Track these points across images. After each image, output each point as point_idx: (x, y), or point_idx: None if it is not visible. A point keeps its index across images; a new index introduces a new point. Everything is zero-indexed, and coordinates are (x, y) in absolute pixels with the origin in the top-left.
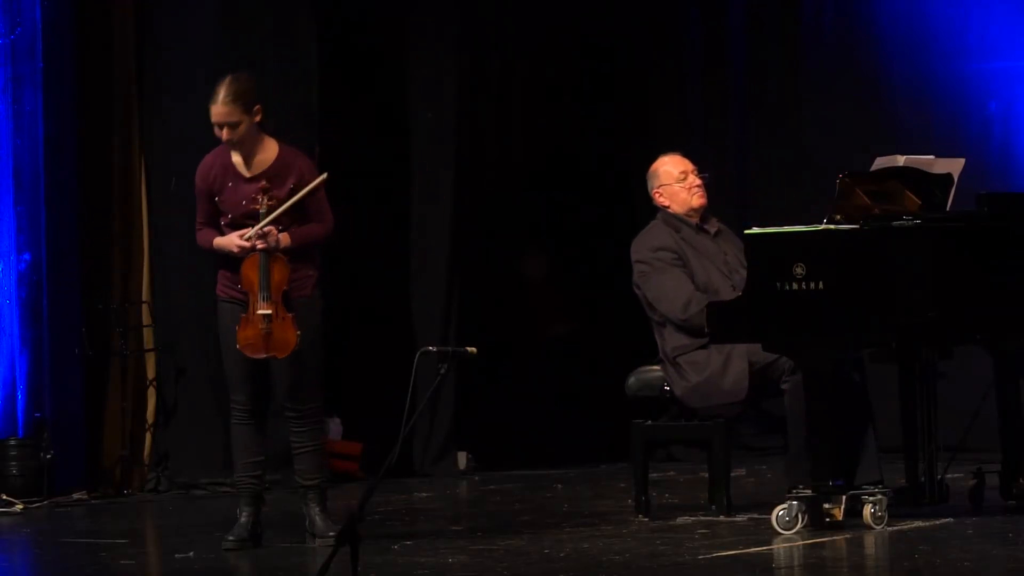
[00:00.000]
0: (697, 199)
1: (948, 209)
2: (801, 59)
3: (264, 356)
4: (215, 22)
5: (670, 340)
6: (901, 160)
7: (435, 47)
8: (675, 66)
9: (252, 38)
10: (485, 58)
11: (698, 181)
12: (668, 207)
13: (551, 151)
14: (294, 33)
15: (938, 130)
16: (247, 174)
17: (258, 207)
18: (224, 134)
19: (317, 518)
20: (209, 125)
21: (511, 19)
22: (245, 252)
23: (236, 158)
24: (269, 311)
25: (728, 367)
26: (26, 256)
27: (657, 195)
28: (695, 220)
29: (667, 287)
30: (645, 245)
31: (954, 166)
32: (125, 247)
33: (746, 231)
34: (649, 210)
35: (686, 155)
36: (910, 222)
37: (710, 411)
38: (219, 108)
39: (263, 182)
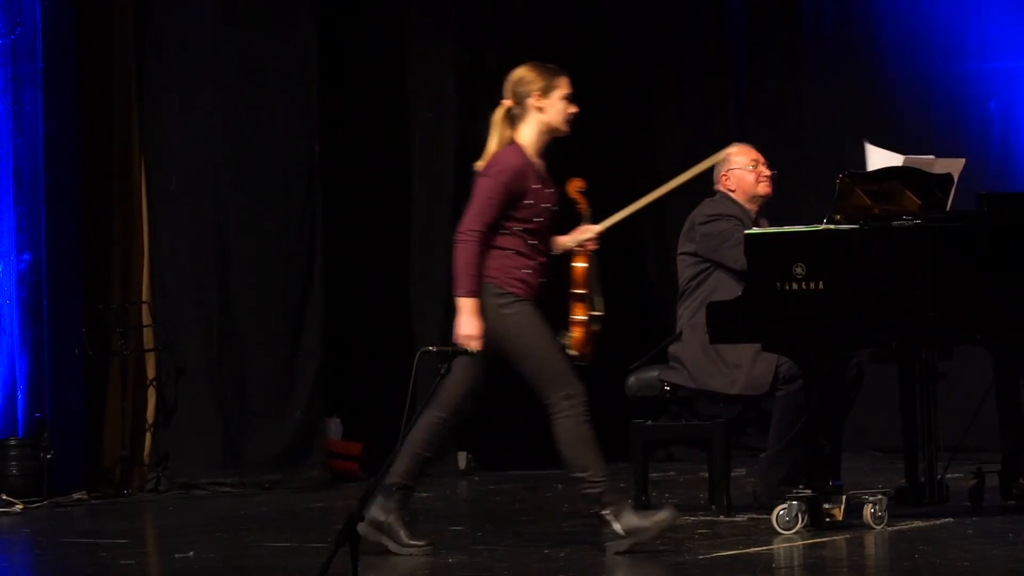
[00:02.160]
0: (763, 187)
1: (948, 209)
2: (801, 59)
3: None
4: (215, 22)
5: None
6: (900, 160)
7: (435, 47)
8: (675, 66)
9: (252, 38)
10: (485, 58)
11: (768, 172)
12: (733, 191)
13: (550, 151)
14: (294, 33)
15: (938, 130)
16: (542, 175)
17: (581, 208)
18: (573, 110)
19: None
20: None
21: (511, 19)
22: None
23: (535, 160)
24: (602, 313)
25: (758, 359)
26: (26, 256)
27: (724, 178)
28: (753, 212)
29: (738, 239)
30: (713, 209)
31: (954, 166)
32: (125, 247)
33: (746, 231)
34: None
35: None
36: (910, 222)
37: (712, 407)
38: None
39: (576, 182)
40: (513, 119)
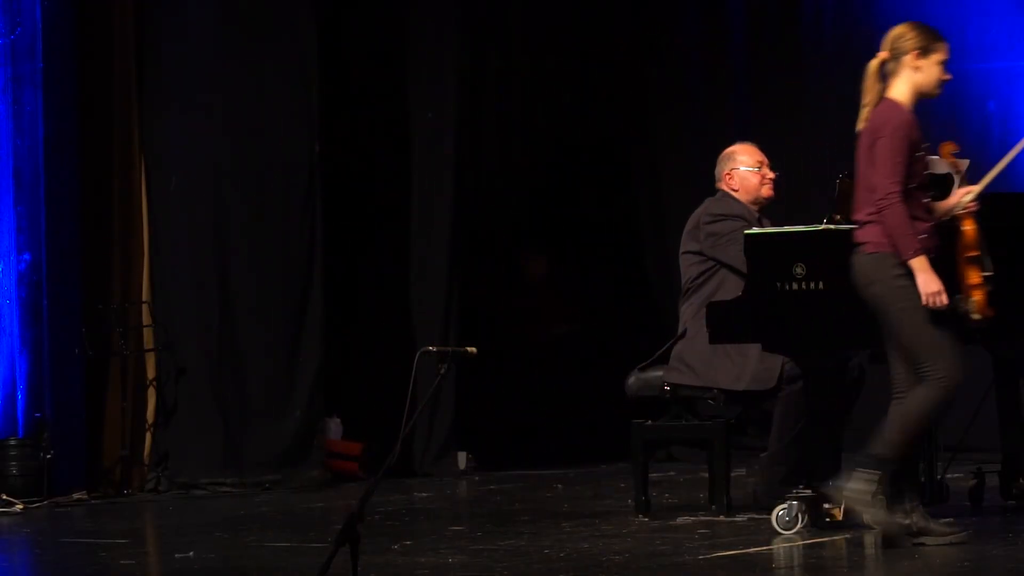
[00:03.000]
0: (767, 190)
1: None
2: (801, 59)
3: None
4: (215, 22)
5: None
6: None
7: (435, 47)
8: (675, 66)
9: (252, 38)
10: (485, 58)
11: (772, 175)
12: (736, 191)
13: (551, 151)
14: (294, 33)
15: (938, 130)
16: None
17: (959, 169)
18: (947, 77)
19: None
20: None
21: (511, 19)
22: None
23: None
24: (992, 272)
25: (765, 353)
26: (26, 256)
27: (727, 177)
28: (755, 212)
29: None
30: (719, 208)
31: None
32: (125, 247)
33: (746, 231)
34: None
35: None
36: None
37: (713, 407)
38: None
39: (949, 145)
40: (885, 75)
